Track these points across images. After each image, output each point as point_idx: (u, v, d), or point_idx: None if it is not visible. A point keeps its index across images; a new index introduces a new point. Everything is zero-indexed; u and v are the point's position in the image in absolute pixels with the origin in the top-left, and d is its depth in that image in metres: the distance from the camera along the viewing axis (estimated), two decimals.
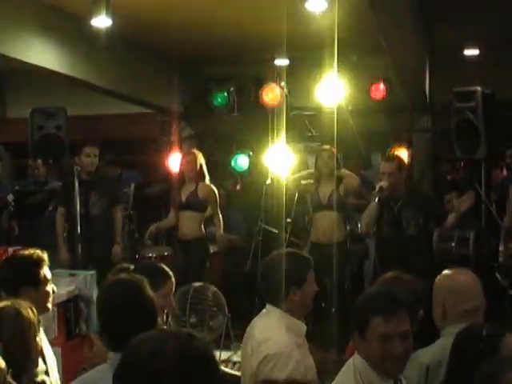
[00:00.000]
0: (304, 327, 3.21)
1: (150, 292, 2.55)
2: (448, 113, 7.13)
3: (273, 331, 3.16)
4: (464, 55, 8.82)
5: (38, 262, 3.25)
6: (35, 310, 2.39)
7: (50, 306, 3.32)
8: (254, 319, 3.38)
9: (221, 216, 6.90)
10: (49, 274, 3.29)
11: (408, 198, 5.85)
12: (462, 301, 3.03)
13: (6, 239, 6.87)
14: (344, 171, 6.59)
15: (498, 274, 6.11)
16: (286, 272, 3.18)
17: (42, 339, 3.27)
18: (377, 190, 5.79)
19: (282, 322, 3.17)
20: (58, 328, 4.61)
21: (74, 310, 4.87)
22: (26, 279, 3.18)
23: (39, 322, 3.26)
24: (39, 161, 7.55)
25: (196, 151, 6.94)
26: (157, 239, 8.15)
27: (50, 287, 3.28)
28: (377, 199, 5.76)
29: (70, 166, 6.58)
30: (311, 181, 6.71)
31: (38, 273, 3.22)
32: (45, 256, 3.30)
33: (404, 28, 5.99)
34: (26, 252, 3.32)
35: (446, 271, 3.19)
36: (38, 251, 3.32)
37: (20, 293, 3.11)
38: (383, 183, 5.78)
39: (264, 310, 3.33)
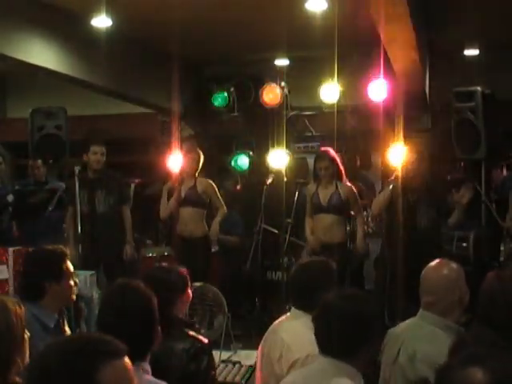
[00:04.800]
0: None
1: (153, 301, 2.54)
2: (448, 113, 7.12)
3: (301, 334, 3.20)
4: (464, 55, 8.82)
5: (61, 257, 3.37)
6: (22, 307, 2.42)
7: (73, 297, 3.46)
8: (278, 322, 3.43)
9: (225, 208, 6.94)
10: (71, 268, 3.41)
11: (424, 191, 5.96)
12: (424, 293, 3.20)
13: (6, 239, 6.86)
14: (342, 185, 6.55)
15: None
16: (320, 279, 3.31)
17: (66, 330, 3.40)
18: (393, 177, 5.92)
19: (308, 325, 3.17)
20: None
21: (74, 310, 4.87)
22: (51, 274, 3.28)
23: (63, 312, 3.35)
24: (39, 161, 7.54)
25: (198, 150, 6.99)
26: (157, 239, 8.16)
27: (72, 281, 3.39)
28: (391, 186, 5.90)
29: (71, 166, 6.59)
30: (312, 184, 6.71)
31: (61, 267, 3.33)
32: (67, 251, 3.44)
33: (404, 28, 5.98)
34: (50, 247, 3.44)
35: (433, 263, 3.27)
36: (61, 246, 3.48)
37: (45, 287, 3.24)
38: (401, 170, 5.96)
39: (288, 314, 3.40)
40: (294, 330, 3.28)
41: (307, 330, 3.13)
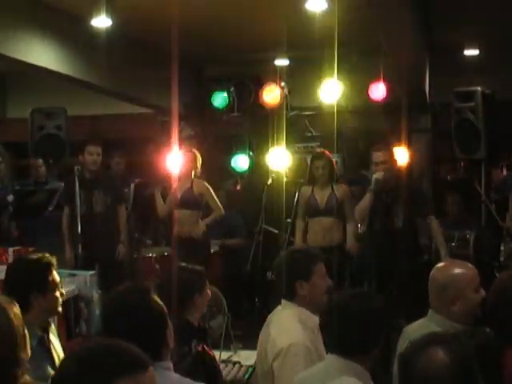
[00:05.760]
0: (317, 320, 3.26)
1: (157, 302, 2.51)
2: (448, 113, 7.13)
3: (286, 325, 3.24)
4: (464, 55, 8.82)
5: (47, 267, 3.19)
6: (17, 305, 2.40)
7: (59, 309, 3.30)
8: (270, 315, 3.45)
9: (222, 210, 6.93)
10: (57, 279, 3.24)
11: (399, 190, 5.92)
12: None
13: (6, 239, 6.87)
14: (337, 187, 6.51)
15: (498, 274, 6.11)
16: (291, 266, 3.30)
17: (54, 342, 3.27)
18: (373, 183, 5.85)
19: (295, 315, 3.25)
20: (58, 328, 4.60)
21: (74, 309, 4.87)
22: (36, 286, 3.13)
23: (48, 323, 3.27)
24: (40, 160, 7.55)
25: (195, 151, 6.99)
26: (157, 239, 8.15)
27: (58, 292, 3.24)
28: (371, 191, 5.85)
29: (71, 166, 6.58)
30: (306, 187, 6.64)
31: (47, 279, 3.17)
32: (53, 260, 3.25)
33: (404, 28, 5.98)
34: (34, 257, 3.26)
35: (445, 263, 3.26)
36: (47, 255, 3.27)
37: (30, 300, 3.09)
38: (378, 175, 5.86)
39: (279, 307, 3.41)
40: (280, 321, 3.31)
41: (293, 320, 3.22)
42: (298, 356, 3.08)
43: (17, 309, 2.35)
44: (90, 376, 1.45)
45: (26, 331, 2.39)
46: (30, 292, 3.10)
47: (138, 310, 2.44)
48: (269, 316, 3.46)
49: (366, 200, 5.93)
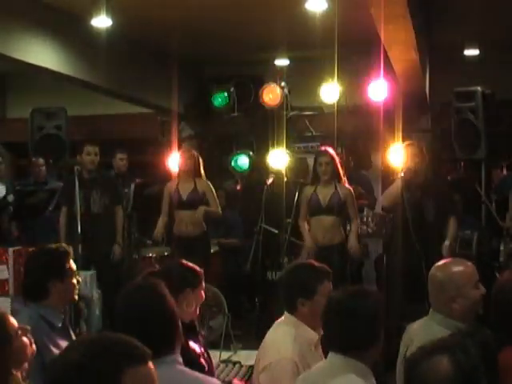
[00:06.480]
0: (315, 336, 3.25)
1: (169, 297, 2.56)
2: (448, 113, 7.13)
3: (279, 339, 3.25)
4: (464, 55, 8.83)
5: (64, 256, 3.36)
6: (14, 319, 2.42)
7: (76, 297, 3.44)
8: (274, 325, 3.46)
9: (220, 212, 6.95)
10: (74, 267, 3.40)
11: (428, 184, 6.00)
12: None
13: (6, 239, 6.87)
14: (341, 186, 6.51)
15: (498, 274, 6.11)
16: (295, 283, 3.32)
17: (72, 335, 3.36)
18: (402, 172, 5.92)
19: (292, 329, 3.25)
20: None
21: (74, 309, 4.87)
22: (54, 273, 3.27)
23: (67, 311, 3.36)
24: (41, 159, 7.55)
25: (194, 152, 6.99)
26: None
27: (75, 279, 3.39)
28: (401, 178, 5.93)
29: (71, 166, 6.58)
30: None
31: (65, 266, 3.32)
32: (70, 249, 3.44)
33: (404, 28, 5.98)
34: (52, 246, 3.44)
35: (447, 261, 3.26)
36: (64, 245, 3.49)
37: (49, 287, 3.24)
38: (409, 164, 5.94)
39: (282, 317, 3.42)
40: (275, 333, 3.32)
41: (287, 335, 3.21)
42: (285, 371, 3.08)
43: (12, 319, 2.36)
44: (100, 365, 1.48)
45: (27, 340, 2.40)
46: (48, 278, 3.25)
47: (151, 305, 2.50)
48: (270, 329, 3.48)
49: (395, 186, 6.00)
